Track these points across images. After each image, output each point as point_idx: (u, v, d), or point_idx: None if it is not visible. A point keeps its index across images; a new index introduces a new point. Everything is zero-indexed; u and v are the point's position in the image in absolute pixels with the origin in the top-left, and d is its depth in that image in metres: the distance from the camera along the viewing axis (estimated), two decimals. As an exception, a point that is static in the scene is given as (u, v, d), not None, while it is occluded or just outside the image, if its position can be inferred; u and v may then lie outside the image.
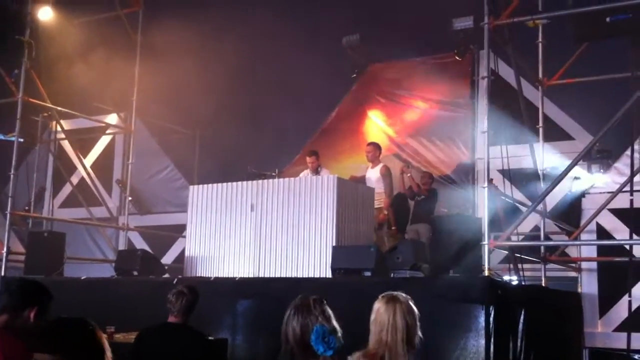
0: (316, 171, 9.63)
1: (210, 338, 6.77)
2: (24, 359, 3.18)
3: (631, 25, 8.50)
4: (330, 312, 3.41)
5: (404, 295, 3.48)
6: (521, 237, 9.53)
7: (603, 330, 8.71)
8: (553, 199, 9.90)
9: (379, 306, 3.45)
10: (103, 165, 14.59)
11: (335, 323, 3.38)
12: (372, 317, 3.45)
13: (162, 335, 5.15)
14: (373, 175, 9.93)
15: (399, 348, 3.34)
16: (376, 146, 10.30)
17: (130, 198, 12.88)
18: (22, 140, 10.93)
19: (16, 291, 3.52)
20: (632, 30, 8.67)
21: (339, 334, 3.35)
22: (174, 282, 8.06)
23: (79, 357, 2.51)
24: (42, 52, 11.30)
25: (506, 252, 8.85)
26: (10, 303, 3.45)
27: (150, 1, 12.97)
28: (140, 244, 13.30)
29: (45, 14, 11.59)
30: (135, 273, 8.77)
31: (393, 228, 9.89)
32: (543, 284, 8.89)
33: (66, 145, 14.55)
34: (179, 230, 12.35)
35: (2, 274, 9.92)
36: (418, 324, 3.44)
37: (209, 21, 11.72)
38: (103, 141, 14.92)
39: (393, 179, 10.20)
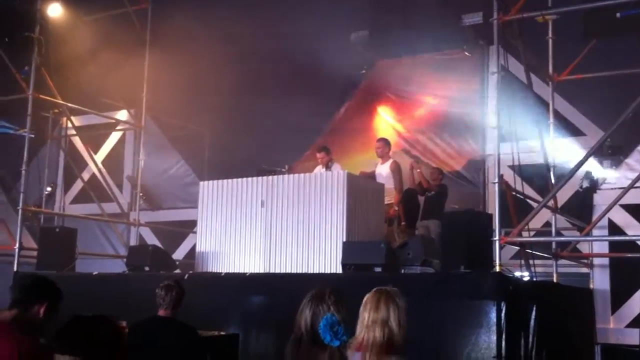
0: (327, 166, 9.63)
1: (222, 333, 6.85)
2: (34, 354, 3.21)
3: (640, 21, 8.48)
4: (345, 305, 3.42)
5: (393, 289, 3.47)
6: (532, 233, 9.52)
7: (615, 327, 8.70)
8: (564, 195, 9.87)
9: (366, 299, 3.44)
10: (114, 161, 14.64)
11: (345, 316, 3.39)
12: (361, 308, 3.43)
13: (153, 329, 5.20)
14: (383, 171, 9.92)
15: (383, 339, 3.31)
16: (386, 142, 10.29)
17: (141, 194, 12.92)
18: (32, 135, 10.96)
19: (26, 286, 3.57)
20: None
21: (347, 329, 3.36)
22: (185, 277, 8.11)
23: (101, 355, 2.50)
24: (52, 49, 11.34)
25: (517, 247, 8.83)
26: (20, 298, 3.50)
27: (159, -1, 12.99)
28: (151, 239, 13.35)
29: (55, 11, 11.63)
30: (147, 268, 8.80)
31: (402, 223, 9.88)
32: (554, 280, 8.87)
33: (77, 141, 14.62)
34: (190, 226, 12.38)
35: (15, 269, 9.97)
36: (403, 317, 3.40)
37: (218, 18, 11.72)
38: (113, 137, 14.97)
39: (403, 175, 10.19)
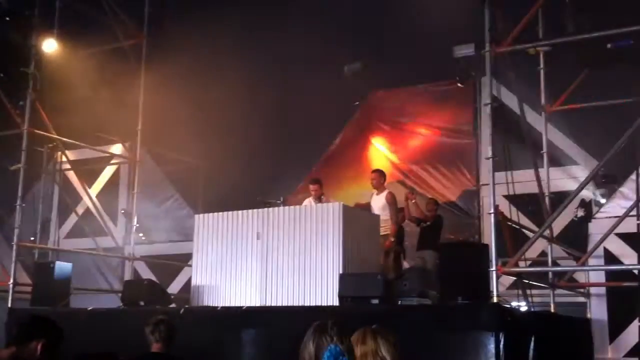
0: (319, 199, 9.64)
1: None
2: None
3: (633, 52, 8.56)
4: (348, 336, 3.41)
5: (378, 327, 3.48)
6: (528, 262, 9.51)
7: (613, 356, 8.66)
8: (559, 224, 9.89)
9: (352, 338, 3.43)
10: (108, 195, 14.62)
11: (349, 346, 3.38)
12: (357, 353, 3.42)
13: None
14: (378, 202, 9.92)
15: None
16: (381, 173, 10.31)
17: (136, 226, 12.89)
18: (26, 166, 10.95)
19: (25, 323, 3.59)
20: (634, 57, 8.73)
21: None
22: (181, 312, 8.04)
23: None
24: (46, 83, 11.39)
25: (514, 278, 8.81)
26: (19, 335, 3.52)
27: (153, 33, 13.08)
28: (146, 273, 13.28)
29: (50, 46, 11.70)
30: (142, 303, 8.72)
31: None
32: (552, 310, 8.84)
33: (71, 175, 14.59)
34: (185, 259, 12.33)
35: (9, 305, 9.88)
36: (393, 350, 3.42)
37: (212, 52, 11.82)
38: (108, 171, 14.97)
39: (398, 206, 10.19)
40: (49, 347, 3.46)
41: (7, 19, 11.44)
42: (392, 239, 9.54)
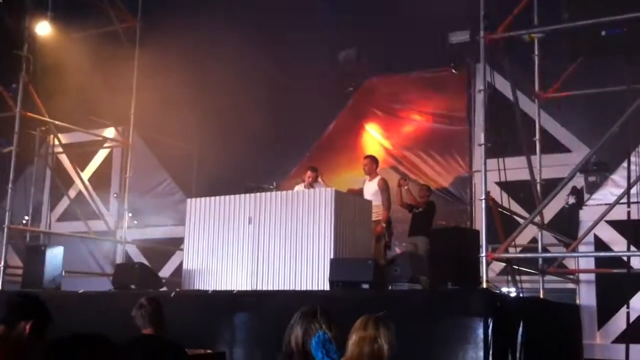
0: (311, 185, 9.65)
1: (209, 351, 6.80)
2: None
3: (626, 40, 8.57)
4: (335, 324, 3.42)
5: (381, 314, 3.47)
6: (519, 249, 9.54)
7: (602, 342, 8.71)
8: (551, 211, 9.92)
9: (357, 325, 3.42)
10: (101, 179, 14.59)
11: (336, 334, 3.39)
12: (351, 332, 3.41)
13: (135, 347, 5.13)
14: (370, 188, 9.93)
15: (367, 353, 3.32)
16: (373, 159, 10.31)
17: (130, 214, 12.89)
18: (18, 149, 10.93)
19: (14, 303, 3.56)
20: (627, 45, 8.74)
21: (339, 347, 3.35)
22: (172, 295, 8.06)
23: None
24: (39, 66, 11.34)
25: (504, 264, 8.85)
26: (8, 315, 3.49)
27: (147, 16, 13.03)
28: (138, 257, 13.29)
29: (43, 29, 11.64)
30: (133, 287, 8.74)
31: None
32: (541, 296, 8.89)
33: (64, 159, 14.55)
34: (177, 243, 12.34)
35: (0, 287, 9.89)
36: (391, 337, 3.42)
37: (206, 37, 11.77)
38: (101, 155, 14.94)
39: (390, 192, 10.21)
40: (37, 327, 3.45)
41: (0, 1, 11.37)
42: (384, 225, 9.57)
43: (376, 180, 9.91)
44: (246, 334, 7.43)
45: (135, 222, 13.65)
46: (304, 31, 12.50)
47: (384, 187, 9.81)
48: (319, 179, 10.00)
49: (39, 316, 3.51)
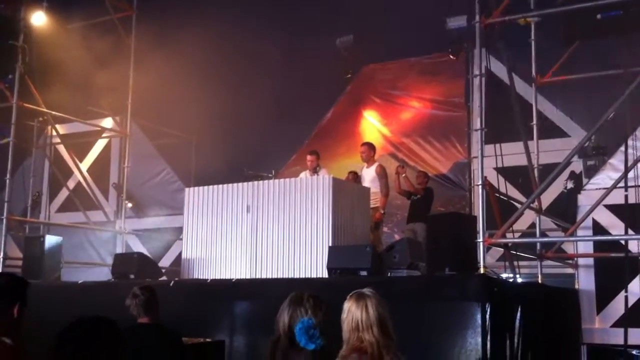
0: (315, 170, 9.63)
1: (208, 340, 6.82)
2: (17, 355, 3.14)
3: (622, 23, 8.53)
4: (323, 309, 3.42)
5: (371, 290, 3.45)
6: (518, 234, 9.54)
7: (601, 326, 8.72)
8: (549, 196, 9.92)
9: (349, 305, 3.40)
10: (99, 169, 14.59)
11: (322, 320, 3.40)
12: (344, 315, 3.40)
13: (133, 336, 5.14)
14: (368, 174, 9.93)
15: (380, 340, 3.31)
16: (370, 146, 10.30)
17: (129, 204, 12.90)
18: (15, 141, 10.92)
19: (4, 288, 3.37)
20: (623, 28, 8.70)
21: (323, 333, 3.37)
22: (171, 284, 8.09)
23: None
24: (36, 57, 11.31)
25: (502, 249, 8.86)
26: (2, 304, 3.31)
27: (143, 5, 12.98)
28: (137, 247, 13.31)
29: (39, 19, 11.59)
30: (132, 276, 8.76)
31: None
32: (539, 281, 8.90)
33: (62, 149, 14.55)
34: (176, 233, 12.35)
35: (0, 279, 9.90)
36: (389, 315, 3.41)
37: (203, 25, 11.72)
38: (99, 145, 14.93)
39: (389, 179, 10.22)
40: (22, 306, 3.37)
41: (-5, -8, 11.34)
42: (382, 212, 9.58)
43: (374, 167, 9.92)
44: (245, 322, 7.44)
45: (134, 212, 13.66)
46: (301, 18, 12.47)
47: (382, 173, 9.81)
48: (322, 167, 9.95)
49: (25, 296, 3.36)
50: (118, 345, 2.45)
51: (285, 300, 3.46)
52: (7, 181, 10.53)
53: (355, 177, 10.29)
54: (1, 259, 10.07)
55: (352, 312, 3.36)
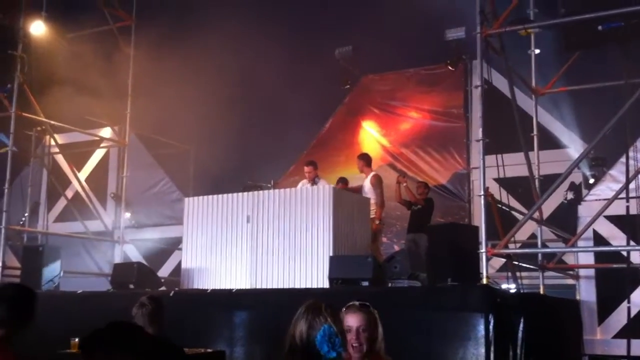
0: (313, 181, 9.61)
1: (208, 350, 6.77)
2: None
3: (623, 34, 8.54)
4: (340, 318, 3.39)
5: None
6: (518, 245, 9.52)
7: (602, 337, 8.70)
8: (549, 207, 9.90)
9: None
10: (98, 179, 14.54)
11: (341, 328, 3.36)
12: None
13: None
14: (366, 185, 9.91)
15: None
16: (363, 157, 10.30)
17: (127, 214, 12.86)
18: (15, 149, 10.88)
19: (22, 301, 3.25)
20: (624, 39, 8.71)
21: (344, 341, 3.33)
22: (171, 294, 8.03)
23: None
24: (34, 66, 11.29)
25: (504, 260, 8.84)
26: (15, 315, 3.18)
27: (142, 15, 12.99)
28: (136, 257, 13.25)
29: (38, 29, 11.59)
30: (132, 286, 8.72)
31: None
32: (541, 292, 8.88)
33: (60, 159, 14.51)
34: (175, 243, 12.31)
35: (-2, 289, 9.83)
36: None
37: (202, 36, 11.73)
38: (97, 155, 14.88)
39: (388, 189, 10.19)
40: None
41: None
42: (377, 222, 9.51)
43: (369, 177, 9.88)
44: (246, 332, 7.40)
45: (133, 222, 13.61)
46: (300, 29, 12.48)
47: (376, 183, 9.76)
48: (320, 178, 9.94)
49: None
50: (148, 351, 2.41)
51: (299, 310, 3.39)
52: (5, 190, 10.48)
53: (346, 184, 10.30)
54: (0, 269, 10.00)
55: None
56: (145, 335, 2.40)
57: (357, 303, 3.69)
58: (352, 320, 3.59)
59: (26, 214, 14.05)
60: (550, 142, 10.95)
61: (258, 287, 8.29)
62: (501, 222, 8.32)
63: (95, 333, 2.28)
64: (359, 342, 3.56)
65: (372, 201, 9.56)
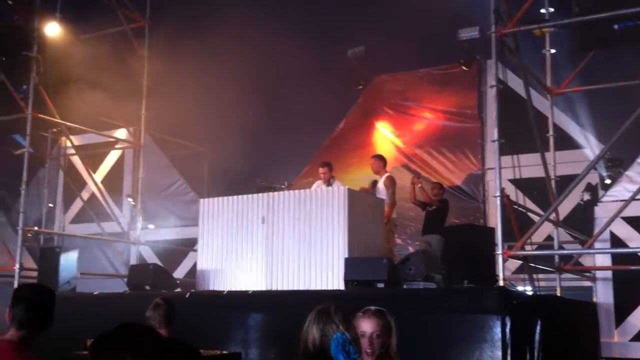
0: (328, 182, 9.59)
1: (224, 352, 6.78)
2: None
3: (638, 33, 8.47)
4: (351, 323, 3.38)
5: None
6: (534, 246, 9.46)
7: (620, 340, 8.62)
8: (566, 208, 9.84)
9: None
10: (113, 180, 14.57)
11: (354, 335, 3.35)
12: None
13: None
14: (379, 186, 9.88)
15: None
16: (378, 158, 10.25)
17: (142, 215, 12.91)
18: (31, 151, 10.94)
19: (41, 302, 3.19)
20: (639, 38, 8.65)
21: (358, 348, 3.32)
22: (186, 296, 8.05)
23: None
24: (50, 67, 11.33)
25: (519, 262, 8.79)
26: (34, 317, 3.13)
27: (156, 16, 13.02)
28: (151, 258, 13.30)
29: (52, 30, 11.63)
30: (148, 287, 8.75)
31: None
32: (558, 294, 8.82)
33: (76, 160, 14.57)
34: (190, 244, 12.33)
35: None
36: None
37: (216, 36, 11.76)
38: (113, 156, 14.94)
39: (403, 190, 10.14)
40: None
41: (10, 2, 11.37)
42: (385, 222, 9.46)
43: (383, 178, 9.85)
44: (261, 334, 7.41)
45: (148, 223, 13.65)
46: (313, 29, 12.48)
47: (389, 184, 9.72)
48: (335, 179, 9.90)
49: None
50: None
51: (309, 315, 3.38)
52: (22, 192, 10.53)
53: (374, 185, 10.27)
54: (17, 270, 10.05)
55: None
56: (156, 336, 2.40)
57: (373, 308, 3.68)
58: (366, 326, 3.58)
59: (43, 216, 14.12)
60: (566, 142, 10.89)
61: (273, 288, 8.29)
62: (517, 224, 8.27)
63: (102, 334, 2.28)
64: (372, 348, 3.55)
65: (387, 202, 9.53)
